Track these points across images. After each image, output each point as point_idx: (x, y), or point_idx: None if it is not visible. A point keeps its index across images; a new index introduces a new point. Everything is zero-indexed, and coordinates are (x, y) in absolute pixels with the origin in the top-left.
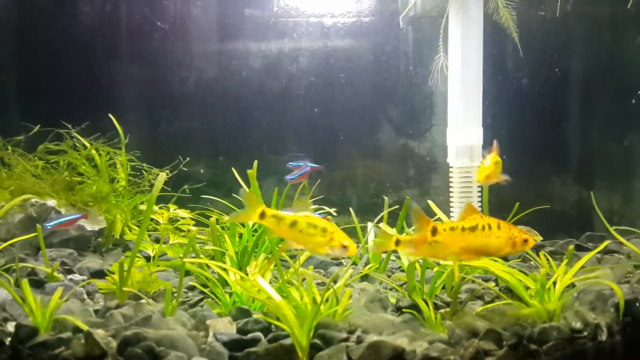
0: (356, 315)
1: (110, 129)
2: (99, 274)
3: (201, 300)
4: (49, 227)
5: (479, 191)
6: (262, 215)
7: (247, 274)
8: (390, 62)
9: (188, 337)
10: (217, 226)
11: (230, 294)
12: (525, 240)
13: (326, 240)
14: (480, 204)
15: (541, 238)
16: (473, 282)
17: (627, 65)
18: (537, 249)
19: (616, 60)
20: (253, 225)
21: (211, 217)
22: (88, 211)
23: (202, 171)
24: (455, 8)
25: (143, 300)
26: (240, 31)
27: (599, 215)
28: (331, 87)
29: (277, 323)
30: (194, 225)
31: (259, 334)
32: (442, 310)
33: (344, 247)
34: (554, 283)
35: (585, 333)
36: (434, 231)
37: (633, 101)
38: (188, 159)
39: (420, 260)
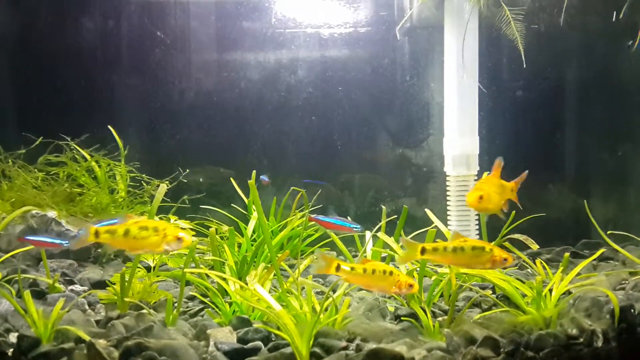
0: (355, 323)
1: (110, 140)
2: (100, 285)
3: (201, 310)
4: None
5: None
6: (97, 234)
7: (246, 284)
8: (387, 72)
9: (189, 346)
10: (217, 236)
11: (230, 304)
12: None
13: (161, 238)
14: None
15: (537, 246)
16: (470, 290)
17: (620, 75)
18: (533, 256)
19: (610, 70)
20: (252, 235)
21: (210, 227)
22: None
23: (201, 180)
24: (451, 19)
25: (144, 311)
26: (238, 43)
27: (594, 223)
28: (329, 97)
29: (277, 332)
30: (193, 235)
31: (260, 343)
32: (440, 318)
33: (179, 239)
34: (550, 290)
35: (581, 339)
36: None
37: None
38: (188, 170)
39: (418, 269)
